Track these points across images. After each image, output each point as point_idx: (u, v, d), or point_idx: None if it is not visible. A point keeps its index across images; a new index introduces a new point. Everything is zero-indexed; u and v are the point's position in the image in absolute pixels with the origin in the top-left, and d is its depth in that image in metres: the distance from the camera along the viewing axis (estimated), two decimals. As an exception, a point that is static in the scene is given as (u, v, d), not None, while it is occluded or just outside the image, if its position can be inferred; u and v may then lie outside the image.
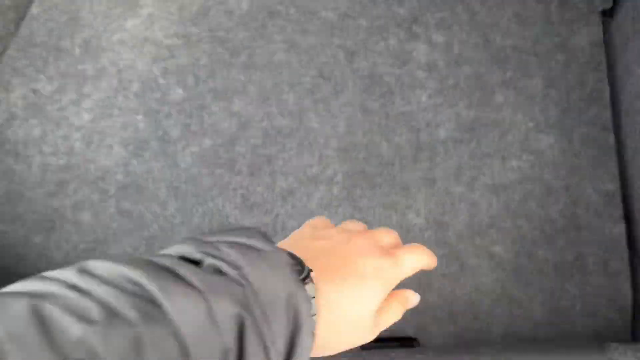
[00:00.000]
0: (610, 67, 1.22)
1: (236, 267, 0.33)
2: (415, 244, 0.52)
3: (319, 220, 0.51)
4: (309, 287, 0.38)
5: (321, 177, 1.14)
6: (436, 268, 1.05)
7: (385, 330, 0.48)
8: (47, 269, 1.02)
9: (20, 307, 0.28)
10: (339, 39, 1.30)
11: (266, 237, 0.38)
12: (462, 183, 1.13)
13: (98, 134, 1.21)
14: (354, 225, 0.51)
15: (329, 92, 1.24)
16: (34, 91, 1.27)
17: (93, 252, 1.08)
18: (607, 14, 1.28)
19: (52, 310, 0.28)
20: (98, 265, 0.32)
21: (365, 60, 1.28)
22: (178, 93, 1.25)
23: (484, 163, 1.15)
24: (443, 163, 1.15)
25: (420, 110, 1.21)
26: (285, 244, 0.46)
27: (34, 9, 1.38)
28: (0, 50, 1.31)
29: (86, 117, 1.23)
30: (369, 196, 1.12)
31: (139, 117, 1.23)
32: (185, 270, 0.32)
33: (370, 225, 1.09)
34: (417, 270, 0.50)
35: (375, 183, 1.13)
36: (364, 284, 0.42)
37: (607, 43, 1.25)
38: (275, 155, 1.17)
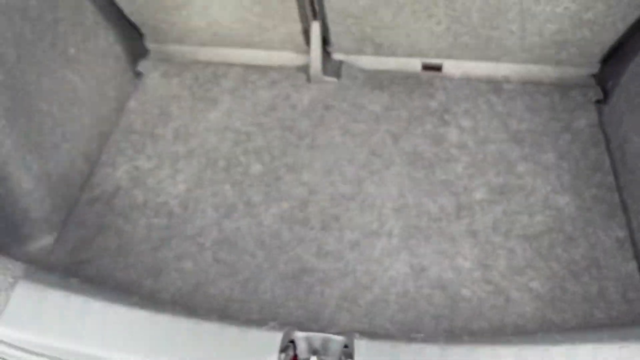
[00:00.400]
0: (609, 141, 1.51)
1: None
2: None
3: None
4: None
5: (381, 231, 1.38)
6: (485, 301, 1.26)
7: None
8: (158, 306, 1.21)
9: None
10: (385, 125, 1.61)
11: None
12: (499, 234, 1.36)
13: (193, 200, 1.46)
14: None
15: (380, 165, 1.51)
16: (136, 168, 1.54)
17: (195, 294, 1.28)
18: (601, 102, 1.61)
19: None
20: None
21: (407, 141, 1.57)
22: (257, 168, 1.52)
23: (515, 218, 1.39)
24: (481, 219, 1.39)
25: (457, 179, 1.48)
26: None
27: (132, 103, 1.69)
28: (106, 131, 1.60)
29: (181, 187, 1.49)
30: (424, 245, 1.35)
31: (227, 186, 1.48)
32: None
33: (426, 268, 1.31)
34: None
35: (427, 235, 1.37)
36: None
37: (604, 123, 1.56)
38: (341, 214, 1.41)
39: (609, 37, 1.50)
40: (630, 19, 1.42)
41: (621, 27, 1.45)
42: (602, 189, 1.44)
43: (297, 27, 1.60)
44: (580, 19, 1.43)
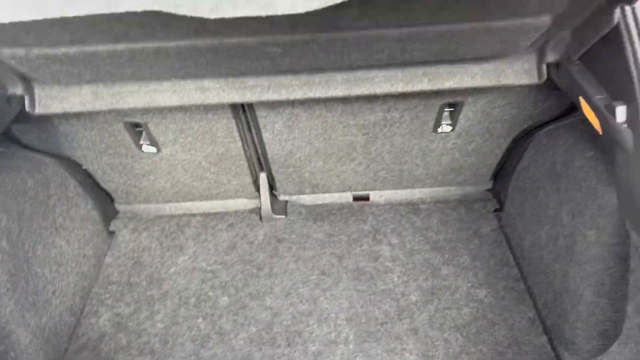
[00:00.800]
0: (509, 241, 1.87)
1: None
2: None
3: None
4: None
5: (338, 339, 1.62)
6: (433, 386, 1.49)
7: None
8: None
9: None
10: (330, 249, 1.91)
11: None
12: (435, 328, 1.64)
13: (171, 337, 1.65)
14: None
15: (330, 283, 1.79)
16: (117, 314, 1.73)
17: (183, 419, 1.44)
18: (498, 210, 2.00)
19: None
20: None
21: (350, 260, 1.87)
22: (225, 300, 1.76)
23: (446, 313, 1.68)
24: (419, 317, 1.67)
25: (395, 286, 1.77)
26: None
27: (108, 259, 1.92)
28: (87, 285, 1.80)
29: (160, 326, 1.69)
30: (375, 347, 1.59)
31: (199, 320, 1.70)
32: None
33: (380, 366, 1.54)
34: None
35: (377, 337, 1.62)
36: None
37: (503, 227, 1.94)
38: (303, 330, 1.65)
39: (492, 161, 1.93)
40: (504, 146, 1.86)
41: (498, 153, 1.89)
42: (510, 280, 1.77)
43: (248, 178, 1.94)
44: (467, 150, 1.86)
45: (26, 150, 1.68)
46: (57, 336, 1.60)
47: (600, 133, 1.17)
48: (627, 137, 1.06)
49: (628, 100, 1.07)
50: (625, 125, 1.07)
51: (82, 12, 0.85)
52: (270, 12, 0.85)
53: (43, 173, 1.66)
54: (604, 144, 1.28)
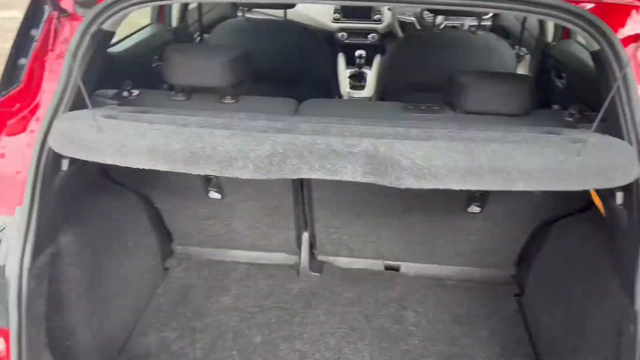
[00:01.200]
0: (527, 322, 2.01)
1: None
2: None
3: None
4: None
5: (359, 387, 1.76)
6: None
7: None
8: None
9: None
10: (358, 308, 2.08)
11: None
12: (450, 390, 1.76)
13: (210, 364, 1.83)
14: None
15: (356, 338, 1.95)
16: (162, 338, 1.93)
17: None
18: (518, 295, 2.15)
19: None
20: None
21: (376, 320, 2.03)
22: (258, 339, 1.93)
23: None
24: (437, 379, 1.80)
25: (416, 348, 1.91)
26: None
27: (160, 289, 2.15)
28: (140, 308, 2.01)
29: (199, 353, 1.87)
30: (392, 398, 1.72)
31: (234, 352, 1.87)
32: None
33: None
34: None
35: (395, 390, 1.75)
36: None
37: (522, 308, 2.07)
38: (328, 374, 1.80)
39: (515, 247, 2.11)
40: (527, 233, 2.05)
41: (522, 240, 2.08)
42: (525, 357, 1.89)
43: (292, 234, 2.18)
44: (493, 233, 2.06)
45: (115, 183, 1.98)
46: (110, 346, 1.80)
47: (604, 214, 1.38)
48: (624, 216, 1.27)
49: (625, 187, 1.28)
50: (622, 207, 1.28)
51: (200, 172, 1.21)
52: (337, 178, 1.23)
53: (125, 203, 1.95)
54: (613, 233, 1.46)
